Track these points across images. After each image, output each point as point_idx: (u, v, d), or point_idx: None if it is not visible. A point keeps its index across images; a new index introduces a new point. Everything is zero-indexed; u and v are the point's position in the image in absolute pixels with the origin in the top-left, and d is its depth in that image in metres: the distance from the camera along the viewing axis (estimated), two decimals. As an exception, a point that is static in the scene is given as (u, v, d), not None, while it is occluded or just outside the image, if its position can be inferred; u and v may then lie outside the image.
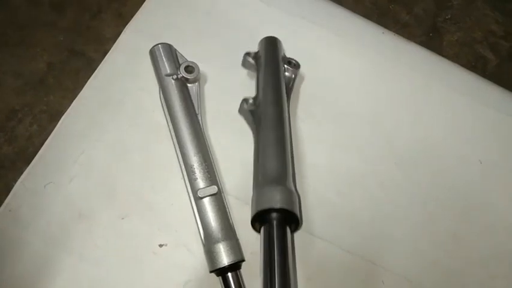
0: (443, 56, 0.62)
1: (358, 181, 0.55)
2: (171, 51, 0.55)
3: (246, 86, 0.56)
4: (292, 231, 0.45)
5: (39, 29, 0.60)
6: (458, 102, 0.59)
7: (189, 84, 0.55)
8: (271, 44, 0.56)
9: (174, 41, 0.57)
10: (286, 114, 0.52)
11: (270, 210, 0.43)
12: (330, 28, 0.61)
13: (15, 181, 0.52)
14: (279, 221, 0.42)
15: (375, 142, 0.57)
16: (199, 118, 0.54)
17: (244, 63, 0.56)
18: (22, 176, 0.53)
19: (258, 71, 0.55)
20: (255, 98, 0.54)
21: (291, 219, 0.44)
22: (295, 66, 0.55)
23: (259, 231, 0.44)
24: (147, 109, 0.56)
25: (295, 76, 0.56)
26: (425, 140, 0.58)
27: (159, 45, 0.55)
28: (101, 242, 0.52)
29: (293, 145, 0.53)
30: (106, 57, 0.59)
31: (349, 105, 0.58)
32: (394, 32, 0.62)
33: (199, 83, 0.56)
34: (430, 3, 0.66)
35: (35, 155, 0.54)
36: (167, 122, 0.53)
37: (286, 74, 0.55)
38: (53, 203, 0.52)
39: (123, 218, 0.52)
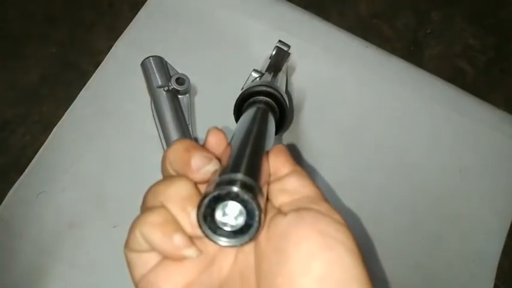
0: (424, 68, 0.64)
1: (343, 188, 0.57)
2: (162, 63, 0.57)
3: (235, 97, 0.58)
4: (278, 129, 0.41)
5: (33, 41, 0.61)
6: (438, 113, 0.62)
7: (180, 96, 0.57)
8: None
9: (165, 53, 0.58)
10: None
11: (253, 94, 0.40)
12: (315, 42, 0.63)
13: (8, 191, 0.53)
14: (262, 103, 0.39)
15: (359, 151, 0.59)
16: (190, 128, 0.56)
17: None
18: (15, 186, 0.54)
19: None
20: None
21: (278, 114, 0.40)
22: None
23: None
24: (138, 120, 0.58)
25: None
26: (407, 149, 0.60)
27: (151, 58, 0.57)
28: (93, 251, 0.52)
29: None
30: (98, 69, 0.60)
31: (334, 115, 0.61)
32: (377, 45, 0.64)
33: (189, 94, 0.57)
34: (411, 19, 0.69)
35: (28, 165, 0.55)
36: (158, 132, 0.55)
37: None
38: (45, 212, 0.53)
39: (114, 227, 0.53)
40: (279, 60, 0.55)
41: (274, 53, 0.56)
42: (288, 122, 0.40)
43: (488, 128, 0.61)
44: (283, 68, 0.55)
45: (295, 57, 0.61)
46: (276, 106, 0.41)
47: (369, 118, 0.61)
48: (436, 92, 0.63)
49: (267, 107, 0.39)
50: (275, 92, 0.41)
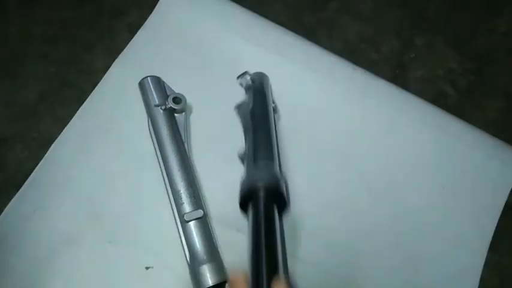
0: (408, 91, 0.67)
1: (332, 207, 0.58)
2: (159, 83, 0.59)
3: (229, 115, 0.60)
4: (281, 214, 0.44)
5: (32, 60, 0.63)
6: (423, 134, 0.64)
7: (176, 114, 0.58)
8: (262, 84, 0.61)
9: (162, 73, 0.60)
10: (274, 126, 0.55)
11: (256, 189, 0.43)
12: (306, 64, 0.66)
13: (5, 206, 0.54)
14: (265, 196, 0.42)
15: (348, 171, 0.61)
16: (186, 146, 0.57)
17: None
18: (12, 202, 0.54)
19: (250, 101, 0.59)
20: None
21: (279, 202, 0.43)
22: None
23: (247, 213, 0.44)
24: (134, 137, 0.59)
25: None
26: (393, 168, 0.62)
27: (148, 78, 0.59)
28: (89, 266, 0.53)
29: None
30: (96, 88, 0.61)
31: (323, 137, 0.63)
32: (364, 68, 0.67)
33: (186, 113, 0.59)
34: (396, 43, 0.73)
35: (25, 181, 0.55)
36: (155, 150, 0.56)
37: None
38: (41, 228, 0.54)
39: (110, 242, 0.54)
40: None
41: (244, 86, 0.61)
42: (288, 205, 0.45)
43: (470, 148, 0.64)
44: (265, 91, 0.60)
45: (286, 78, 0.64)
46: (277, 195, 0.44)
47: (358, 139, 0.63)
48: (420, 113, 0.66)
49: (271, 202, 0.42)
50: (277, 187, 0.44)
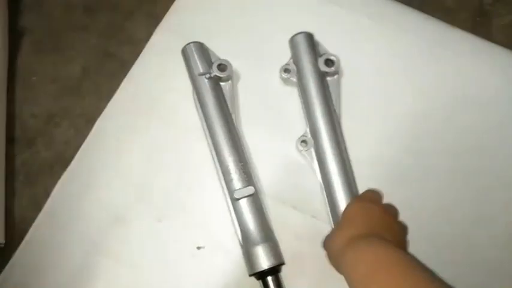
0: (493, 41, 0.57)
1: (402, 174, 0.52)
2: (202, 49, 0.54)
3: (280, 81, 0.55)
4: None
5: (73, 33, 0.60)
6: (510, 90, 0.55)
7: (222, 83, 0.54)
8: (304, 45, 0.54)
9: (206, 39, 0.55)
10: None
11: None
12: (370, 15, 0.58)
13: (54, 185, 0.53)
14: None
15: (422, 134, 0.54)
16: (233, 117, 0.53)
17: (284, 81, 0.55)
18: (60, 181, 0.54)
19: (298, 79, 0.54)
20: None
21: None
22: (333, 64, 0.53)
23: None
24: (181, 110, 0.55)
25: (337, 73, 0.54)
26: (476, 131, 0.53)
27: (191, 44, 0.54)
28: (138, 246, 0.51)
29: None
30: (138, 59, 0.58)
31: (392, 96, 0.55)
32: (437, 18, 0.58)
33: (232, 81, 0.54)
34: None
35: (72, 159, 0.54)
36: (201, 122, 0.52)
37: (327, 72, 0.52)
38: (91, 207, 0.53)
39: (160, 221, 0.52)
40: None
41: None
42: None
43: None
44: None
45: (348, 33, 0.57)
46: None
47: (432, 99, 0.55)
48: (508, 66, 0.55)
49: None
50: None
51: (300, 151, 0.52)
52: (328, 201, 0.50)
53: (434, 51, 0.56)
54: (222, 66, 0.53)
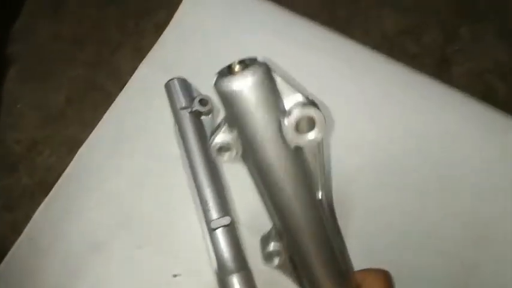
0: (453, 86, 0.62)
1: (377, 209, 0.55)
2: (185, 85, 0.57)
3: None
4: None
5: (60, 63, 0.63)
6: (471, 133, 0.59)
7: (203, 117, 0.57)
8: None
9: (189, 74, 0.58)
10: None
11: None
12: (341, 60, 0.62)
13: (35, 211, 0.54)
14: None
15: (390, 170, 0.57)
16: (213, 149, 0.55)
17: None
18: (41, 206, 0.55)
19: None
20: None
21: None
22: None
23: None
24: (162, 141, 0.57)
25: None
26: (435, 170, 0.58)
27: (175, 80, 0.57)
28: (117, 272, 0.52)
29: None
30: (122, 91, 0.61)
31: (361, 137, 0.59)
32: (403, 63, 0.63)
33: (213, 115, 0.57)
34: (438, 35, 0.67)
35: (54, 186, 0.55)
36: (181, 154, 0.55)
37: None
38: (71, 233, 0.54)
39: (139, 247, 0.53)
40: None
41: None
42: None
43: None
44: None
45: (321, 74, 0.60)
46: None
47: (399, 138, 0.59)
48: (467, 111, 0.60)
49: None
50: None
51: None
52: None
53: (396, 93, 0.61)
54: (204, 101, 0.56)
